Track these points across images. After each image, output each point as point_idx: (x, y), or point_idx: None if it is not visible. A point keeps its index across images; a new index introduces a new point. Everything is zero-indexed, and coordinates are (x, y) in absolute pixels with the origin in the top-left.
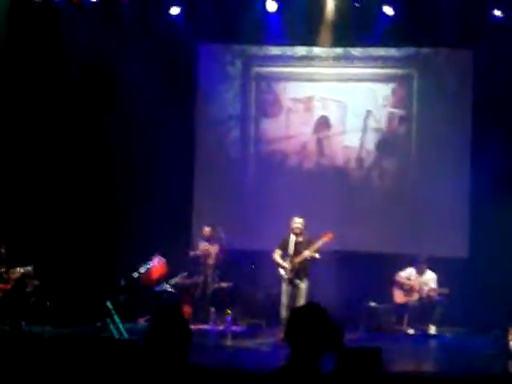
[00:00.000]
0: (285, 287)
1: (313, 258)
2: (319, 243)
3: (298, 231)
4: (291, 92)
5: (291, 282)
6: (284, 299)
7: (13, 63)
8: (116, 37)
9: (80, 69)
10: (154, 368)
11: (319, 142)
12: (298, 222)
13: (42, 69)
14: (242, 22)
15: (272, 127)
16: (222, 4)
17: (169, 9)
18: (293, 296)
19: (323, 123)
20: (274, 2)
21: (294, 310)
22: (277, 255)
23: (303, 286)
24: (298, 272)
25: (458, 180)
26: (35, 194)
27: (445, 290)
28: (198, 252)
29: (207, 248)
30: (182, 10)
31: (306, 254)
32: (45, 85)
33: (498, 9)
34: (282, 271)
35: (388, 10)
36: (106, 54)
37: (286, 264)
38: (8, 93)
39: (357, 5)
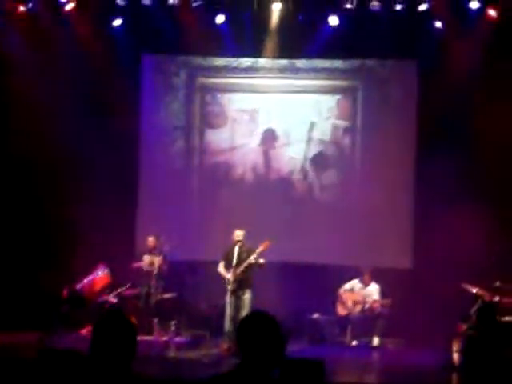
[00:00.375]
0: (229, 299)
1: (258, 264)
2: (258, 251)
3: (239, 243)
4: (236, 103)
5: (234, 292)
6: (228, 310)
7: None
8: (58, 48)
9: (19, 79)
10: (97, 378)
11: (265, 153)
12: (238, 235)
13: None
14: (187, 32)
15: (217, 138)
16: (166, 14)
17: (112, 20)
18: (237, 307)
19: (269, 136)
20: (221, 15)
21: (245, 318)
22: (221, 267)
23: (246, 297)
24: (241, 283)
25: (401, 191)
26: None
27: (388, 302)
28: (141, 263)
29: (150, 259)
30: (125, 21)
31: (250, 259)
32: None
33: (440, 20)
34: (227, 284)
35: (332, 20)
36: (46, 63)
37: (229, 275)
38: None
39: (300, 18)
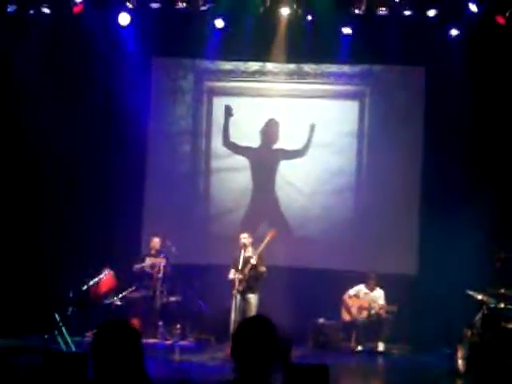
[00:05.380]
0: (234, 302)
1: (259, 273)
2: (265, 242)
3: (245, 246)
4: (243, 107)
5: (243, 293)
6: (233, 314)
7: None
8: (67, 49)
9: (30, 80)
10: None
11: (271, 155)
12: (243, 237)
13: None
14: (195, 36)
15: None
16: (175, 18)
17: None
18: (242, 311)
19: (273, 132)
20: (220, 19)
21: (241, 322)
22: (231, 274)
23: (253, 300)
24: (248, 283)
25: (407, 197)
26: None
27: (393, 308)
28: (144, 265)
29: (154, 261)
30: (135, 23)
31: (254, 258)
32: None
33: (450, 27)
34: (236, 284)
35: (346, 30)
36: (57, 65)
37: (238, 275)
38: None
39: (308, 23)
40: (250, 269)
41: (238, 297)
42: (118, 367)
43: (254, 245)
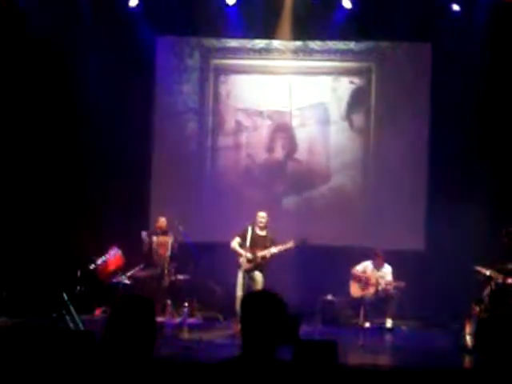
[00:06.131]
0: (240, 279)
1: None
2: (285, 247)
3: (261, 225)
4: (249, 84)
5: (249, 272)
6: (239, 291)
7: None
8: (74, 29)
9: (36, 59)
10: (113, 360)
11: (278, 135)
12: (262, 217)
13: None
14: (201, 14)
15: (230, 120)
16: None
17: (128, 1)
18: (248, 288)
19: (281, 117)
20: None
21: (249, 296)
22: (236, 243)
23: (259, 277)
24: (256, 265)
25: (414, 173)
26: None
27: (401, 284)
28: (151, 242)
29: (160, 240)
30: (140, 3)
31: (273, 251)
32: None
33: (456, 3)
34: (241, 260)
35: (346, 3)
36: (62, 44)
37: (247, 253)
38: None
39: None
40: (261, 257)
41: (243, 274)
42: (131, 342)
43: (270, 231)
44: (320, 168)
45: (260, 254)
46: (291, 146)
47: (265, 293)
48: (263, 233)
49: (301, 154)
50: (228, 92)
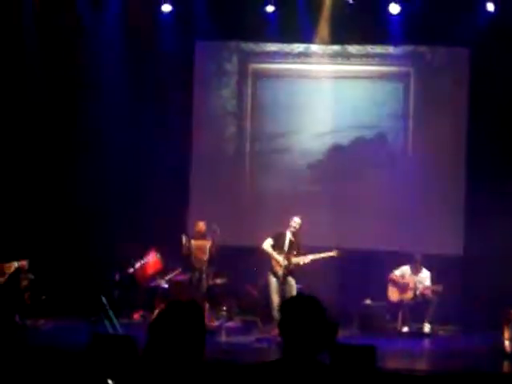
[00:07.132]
0: (274, 284)
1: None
2: (322, 255)
3: (294, 230)
4: (288, 89)
5: (284, 278)
6: (275, 297)
7: None
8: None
9: (71, 66)
10: (162, 366)
11: (317, 140)
12: (296, 222)
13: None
14: (239, 18)
15: (268, 124)
16: (218, 1)
17: (161, 6)
18: (283, 293)
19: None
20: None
21: (288, 300)
22: (268, 245)
23: (293, 282)
24: (291, 271)
25: (452, 178)
26: (31, 188)
27: (439, 287)
28: (190, 247)
29: (198, 244)
30: (178, 7)
31: (307, 259)
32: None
33: (495, 7)
34: (276, 265)
35: (393, 8)
36: (101, 51)
37: (282, 259)
38: None
39: (351, 1)
40: (295, 264)
41: (276, 278)
42: (183, 348)
43: (299, 236)
44: (359, 173)
45: (294, 260)
46: (329, 150)
47: (305, 297)
48: (294, 238)
49: (338, 158)
50: (266, 96)
